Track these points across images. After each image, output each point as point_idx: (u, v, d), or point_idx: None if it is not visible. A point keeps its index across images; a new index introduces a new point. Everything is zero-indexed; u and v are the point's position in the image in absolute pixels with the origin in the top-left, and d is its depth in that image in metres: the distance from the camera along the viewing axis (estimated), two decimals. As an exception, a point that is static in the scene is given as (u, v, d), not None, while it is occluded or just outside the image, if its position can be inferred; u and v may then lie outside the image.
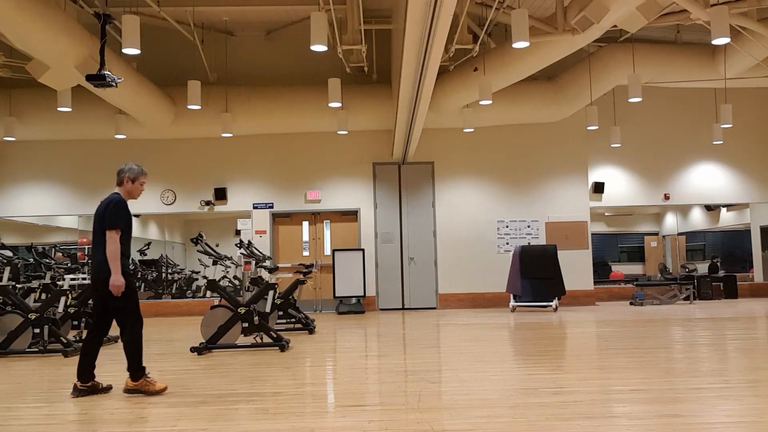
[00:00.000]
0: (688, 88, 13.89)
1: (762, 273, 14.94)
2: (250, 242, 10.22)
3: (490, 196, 13.71)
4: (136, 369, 4.69)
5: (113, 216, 4.65)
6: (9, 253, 8.46)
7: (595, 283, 13.91)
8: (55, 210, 13.68)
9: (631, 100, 10.39)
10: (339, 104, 10.15)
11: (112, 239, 4.62)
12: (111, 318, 4.77)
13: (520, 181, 13.74)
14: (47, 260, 10.06)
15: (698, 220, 15.60)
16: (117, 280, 4.58)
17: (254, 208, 13.67)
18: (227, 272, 14.02)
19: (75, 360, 6.80)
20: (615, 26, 9.08)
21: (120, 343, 8.39)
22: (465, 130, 12.94)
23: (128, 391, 4.72)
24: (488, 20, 9.58)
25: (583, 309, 12.36)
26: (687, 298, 13.32)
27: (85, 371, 4.70)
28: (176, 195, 13.69)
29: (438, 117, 12.57)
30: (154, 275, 14.48)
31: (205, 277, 13.85)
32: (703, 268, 15.27)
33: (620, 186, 14.50)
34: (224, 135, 12.67)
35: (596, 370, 5.27)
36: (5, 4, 7.21)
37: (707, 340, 7.07)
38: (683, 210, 15.45)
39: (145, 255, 14.51)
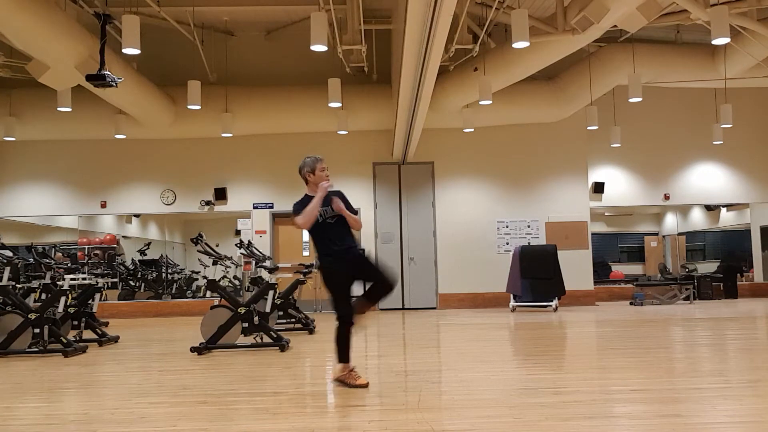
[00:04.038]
0: (688, 88, 13.88)
1: (762, 273, 14.94)
2: (250, 242, 10.22)
3: (490, 196, 13.70)
4: (338, 359, 4.76)
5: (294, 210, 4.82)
6: (9, 253, 8.45)
7: (595, 283, 13.90)
8: (55, 210, 13.68)
9: (631, 100, 10.39)
10: (339, 104, 10.15)
11: (297, 224, 4.75)
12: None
13: (520, 181, 13.73)
14: (47, 260, 10.06)
15: (698, 220, 15.60)
16: (319, 197, 4.70)
17: (254, 208, 13.67)
18: (227, 272, 14.02)
19: (75, 360, 6.80)
20: (615, 26, 9.08)
21: (119, 344, 8.39)
22: (465, 130, 12.94)
23: (335, 380, 4.80)
24: (488, 20, 9.57)
25: (583, 309, 12.36)
26: (687, 298, 13.31)
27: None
28: (176, 195, 13.68)
29: (438, 117, 12.56)
30: (154, 275, 14.49)
31: (205, 277, 13.84)
32: (704, 268, 15.26)
33: (620, 186, 14.50)
34: (224, 135, 12.67)
35: (596, 370, 5.27)
36: (5, 4, 7.21)
37: (707, 341, 7.07)
38: (683, 210, 15.45)
39: (145, 255, 14.51)
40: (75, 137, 13.19)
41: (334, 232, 4.82)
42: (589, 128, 12.46)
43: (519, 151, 13.75)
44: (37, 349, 7.13)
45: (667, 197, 14.52)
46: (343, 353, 4.76)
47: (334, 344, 4.78)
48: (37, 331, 7.11)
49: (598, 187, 14.28)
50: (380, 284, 4.82)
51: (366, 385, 4.72)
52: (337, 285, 4.81)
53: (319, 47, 7.44)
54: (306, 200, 4.81)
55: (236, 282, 14.10)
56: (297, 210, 4.79)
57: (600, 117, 12.78)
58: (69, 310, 8.03)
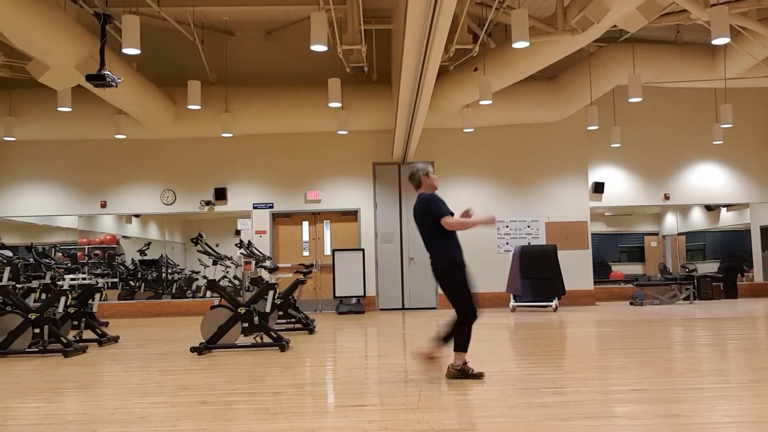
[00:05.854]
0: (688, 88, 13.88)
1: (762, 273, 14.93)
2: (250, 242, 10.22)
3: (490, 196, 13.70)
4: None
5: (437, 207, 4.97)
6: (9, 253, 8.45)
7: (595, 283, 13.89)
8: (55, 210, 13.68)
9: (631, 100, 10.38)
10: (339, 104, 10.14)
11: (450, 225, 4.93)
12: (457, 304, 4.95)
13: (520, 181, 13.73)
14: (47, 260, 10.06)
15: (698, 220, 15.59)
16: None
17: (254, 208, 13.66)
18: (227, 272, 14.02)
19: (75, 360, 6.80)
20: (615, 26, 9.08)
21: (119, 344, 8.40)
22: (465, 130, 12.94)
23: (454, 367, 4.97)
24: (488, 20, 9.57)
25: (583, 309, 12.36)
26: (687, 298, 13.31)
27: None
28: (176, 195, 13.68)
29: (438, 117, 12.56)
30: (154, 275, 14.48)
31: (205, 277, 13.85)
32: (704, 268, 15.25)
33: (620, 186, 14.50)
34: (224, 135, 12.67)
35: (596, 370, 5.27)
36: (5, 5, 7.21)
37: (707, 340, 7.07)
38: (683, 210, 15.45)
39: (145, 255, 14.51)
40: (75, 137, 13.19)
41: (457, 238, 5.07)
42: (589, 128, 12.46)
43: (519, 151, 13.75)
44: (37, 349, 7.13)
45: (667, 197, 14.52)
46: (464, 343, 4.92)
47: (456, 335, 4.90)
48: (37, 331, 7.11)
49: (598, 187, 14.28)
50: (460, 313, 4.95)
51: (482, 376, 4.94)
52: (465, 283, 4.93)
53: (319, 47, 7.44)
54: (440, 199, 5.05)
55: (236, 282, 14.09)
56: (443, 206, 4.96)
57: (600, 117, 12.78)
58: (69, 310, 8.03)
